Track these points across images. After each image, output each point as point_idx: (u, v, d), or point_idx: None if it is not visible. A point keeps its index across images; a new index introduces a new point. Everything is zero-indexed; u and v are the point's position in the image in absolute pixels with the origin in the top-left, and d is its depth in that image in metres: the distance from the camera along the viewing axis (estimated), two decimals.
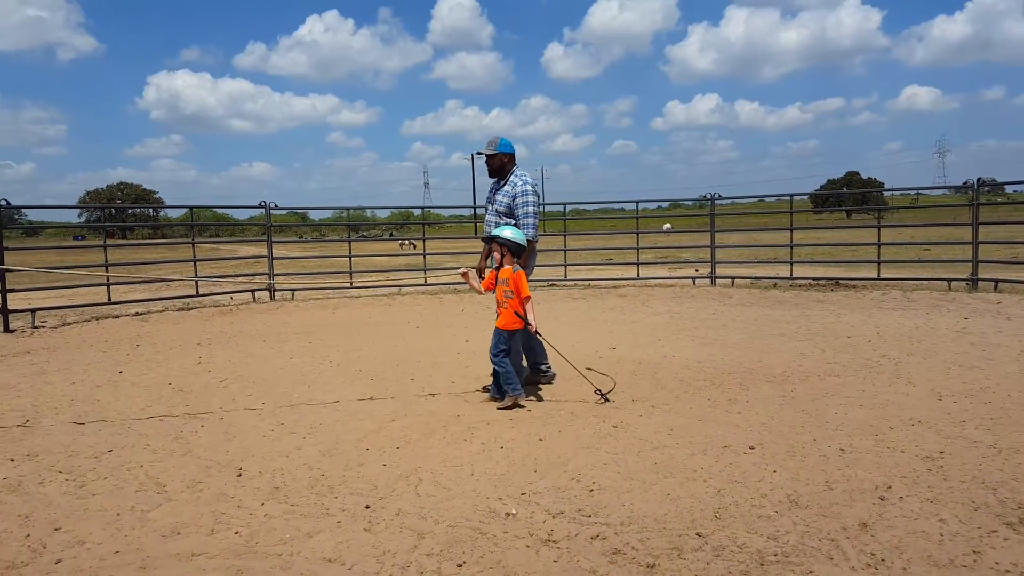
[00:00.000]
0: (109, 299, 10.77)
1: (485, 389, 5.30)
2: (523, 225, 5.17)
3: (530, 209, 5.22)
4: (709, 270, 12.91)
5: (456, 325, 8.87)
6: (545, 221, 34.57)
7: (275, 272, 12.15)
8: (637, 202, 15.60)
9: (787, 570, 2.59)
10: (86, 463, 3.92)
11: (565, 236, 14.83)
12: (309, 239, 28.07)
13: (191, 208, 13.95)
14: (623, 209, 38.35)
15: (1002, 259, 12.65)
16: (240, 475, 3.70)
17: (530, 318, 4.92)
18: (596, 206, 51.39)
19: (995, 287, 10.41)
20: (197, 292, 11.72)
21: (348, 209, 16.74)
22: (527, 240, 5.05)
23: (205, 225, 45.28)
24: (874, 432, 4.11)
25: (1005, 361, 5.83)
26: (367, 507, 3.26)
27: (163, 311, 10.71)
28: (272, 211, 12.21)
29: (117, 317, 10.08)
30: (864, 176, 69.31)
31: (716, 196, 13.05)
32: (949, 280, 10.92)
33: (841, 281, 11.89)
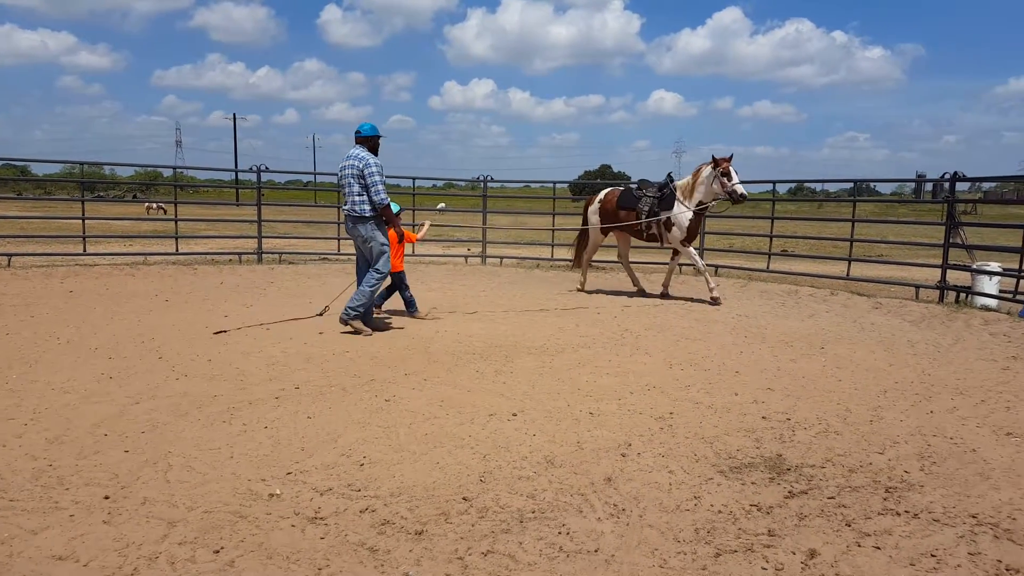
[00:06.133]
0: None
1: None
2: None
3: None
4: (480, 249, 13.41)
5: (213, 298, 8.18)
6: (317, 192, 33.16)
7: None
8: (414, 179, 15.47)
9: (543, 525, 2.82)
10: None
11: (338, 209, 14.38)
12: (32, 196, 23.83)
13: None
14: (399, 185, 38.04)
15: (721, 248, 14.88)
16: None
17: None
18: None
19: (715, 271, 12.18)
20: None
21: (82, 164, 14.56)
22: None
23: None
24: (618, 397, 4.61)
25: (722, 334, 6.87)
26: (106, 498, 2.90)
27: None
28: None
29: None
30: (615, 169, 76.81)
31: (488, 179, 13.50)
32: (681, 265, 12.54)
33: (593, 264, 13.07)
